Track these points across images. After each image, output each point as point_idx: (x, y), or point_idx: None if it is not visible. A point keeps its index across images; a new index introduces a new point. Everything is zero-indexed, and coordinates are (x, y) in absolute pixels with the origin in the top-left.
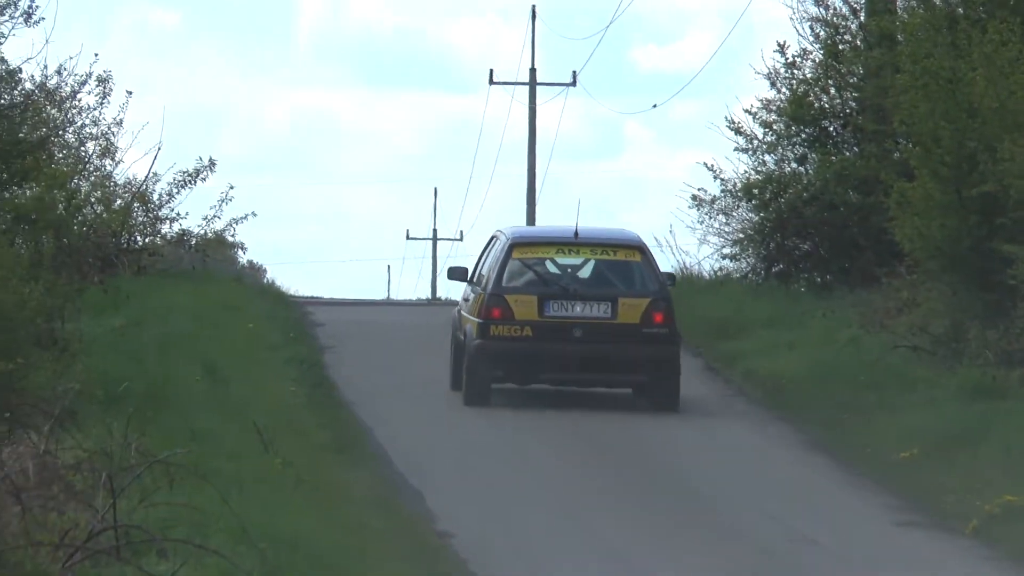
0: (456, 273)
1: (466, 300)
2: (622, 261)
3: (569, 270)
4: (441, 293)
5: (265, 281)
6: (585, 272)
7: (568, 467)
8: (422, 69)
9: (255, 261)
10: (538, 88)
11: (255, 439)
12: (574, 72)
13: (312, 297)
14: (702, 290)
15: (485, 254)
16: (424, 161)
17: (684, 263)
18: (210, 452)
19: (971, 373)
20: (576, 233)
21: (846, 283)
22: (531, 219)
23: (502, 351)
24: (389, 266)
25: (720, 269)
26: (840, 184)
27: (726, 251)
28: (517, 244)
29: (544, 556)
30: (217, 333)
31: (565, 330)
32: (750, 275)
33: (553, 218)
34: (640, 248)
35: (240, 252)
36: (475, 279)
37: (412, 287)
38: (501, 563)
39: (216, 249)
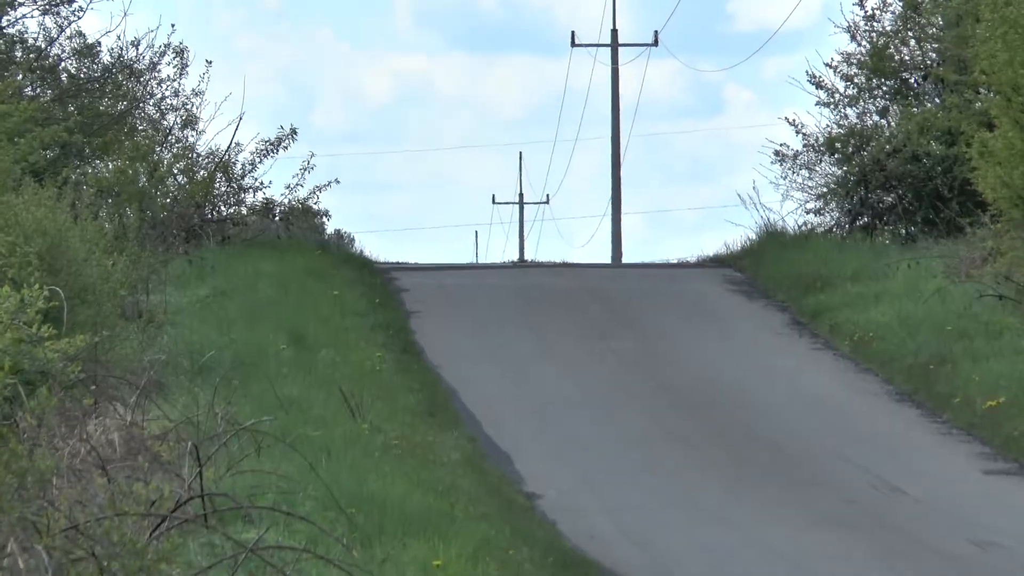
0: None
1: None
2: None
3: None
4: (528, 254)
5: (352, 249)
6: None
7: (652, 423)
8: (515, 34)
9: (342, 229)
10: (620, 49)
11: (342, 405)
12: (656, 31)
13: (398, 263)
14: (787, 245)
15: None
16: (514, 126)
17: (768, 219)
18: (297, 419)
19: None
20: None
21: (930, 234)
22: (616, 181)
23: None
24: (476, 231)
25: (804, 224)
26: (922, 135)
27: (810, 206)
28: None
29: (631, 514)
30: (303, 301)
31: None
32: (834, 229)
33: (642, 179)
34: None
35: (325, 220)
36: None
37: (500, 250)
38: (589, 522)
39: (301, 218)
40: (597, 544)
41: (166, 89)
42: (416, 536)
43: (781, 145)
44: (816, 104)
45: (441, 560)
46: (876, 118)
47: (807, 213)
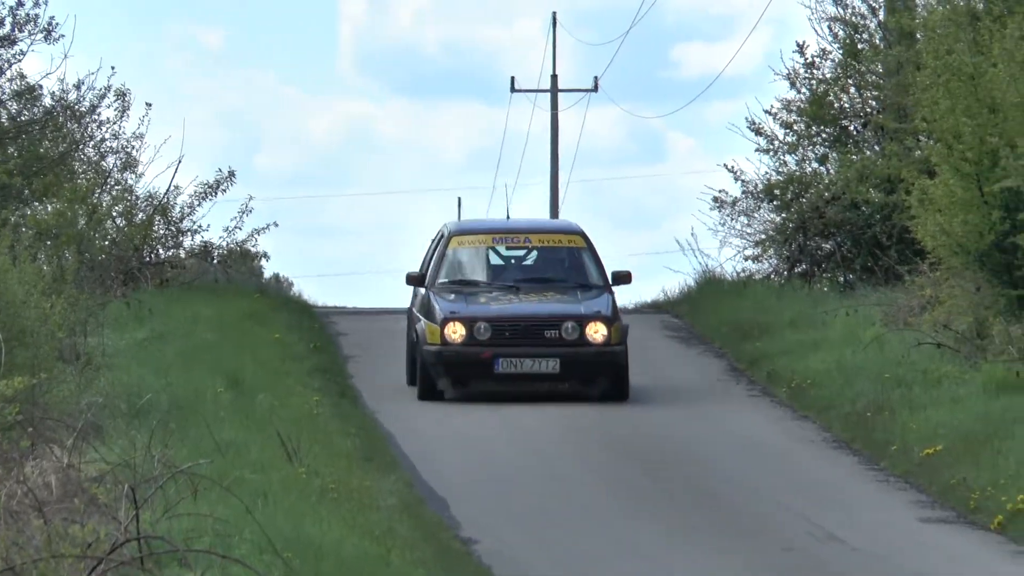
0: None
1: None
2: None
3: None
4: None
5: (291, 293)
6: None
7: (588, 469)
8: (457, 80)
9: (280, 273)
10: (560, 95)
11: (280, 449)
12: (596, 77)
13: (337, 307)
14: (725, 292)
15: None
16: (456, 171)
17: (707, 265)
18: (234, 463)
19: (995, 369)
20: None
21: (869, 282)
22: None
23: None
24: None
25: (743, 271)
26: (861, 183)
27: (748, 252)
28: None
29: (566, 558)
30: (241, 345)
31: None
32: (773, 276)
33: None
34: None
35: (264, 263)
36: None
37: None
38: (524, 567)
39: (240, 261)
40: None
41: (106, 132)
42: None
43: (720, 191)
44: (756, 151)
45: None
46: (815, 165)
47: (745, 260)
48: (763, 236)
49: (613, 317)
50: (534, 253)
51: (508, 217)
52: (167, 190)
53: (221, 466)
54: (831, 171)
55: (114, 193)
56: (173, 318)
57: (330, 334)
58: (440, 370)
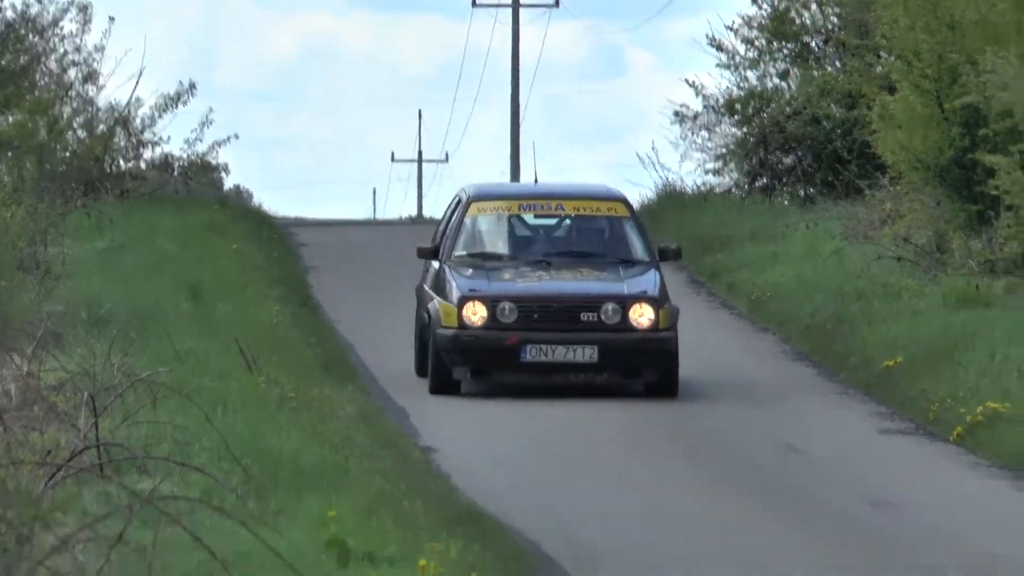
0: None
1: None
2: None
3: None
4: (427, 212)
5: (251, 204)
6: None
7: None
8: None
9: (241, 185)
10: (522, 10)
11: (239, 359)
12: None
13: (297, 218)
14: (686, 206)
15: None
16: (416, 86)
17: (668, 179)
18: (194, 372)
19: (954, 283)
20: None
21: (829, 196)
22: (515, 140)
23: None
24: (375, 188)
25: (704, 185)
26: (822, 98)
27: (709, 166)
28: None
29: (526, 472)
30: (201, 256)
31: None
32: (734, 190)
33: (543, 139)
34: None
35: (224, 175)
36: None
37: (398, 208)
38: (482, 477)
39: (200, 173)
40: (492, 498)
41: (68, 45)
42: (311, 489)
43: (681, 106)
44: (717, 66)
45: (335, 512)
46: (776, 80)
47: (706, 174)
48: (724, 150)
49: (661, 298)
50: (567, 222)
51: (536, 180)
52: (128, 102)
53: (180, 375)
54: (792, 86)
55: (75, 105)
56: (133, 229)
57: (290, 245)
58: (456, 358)
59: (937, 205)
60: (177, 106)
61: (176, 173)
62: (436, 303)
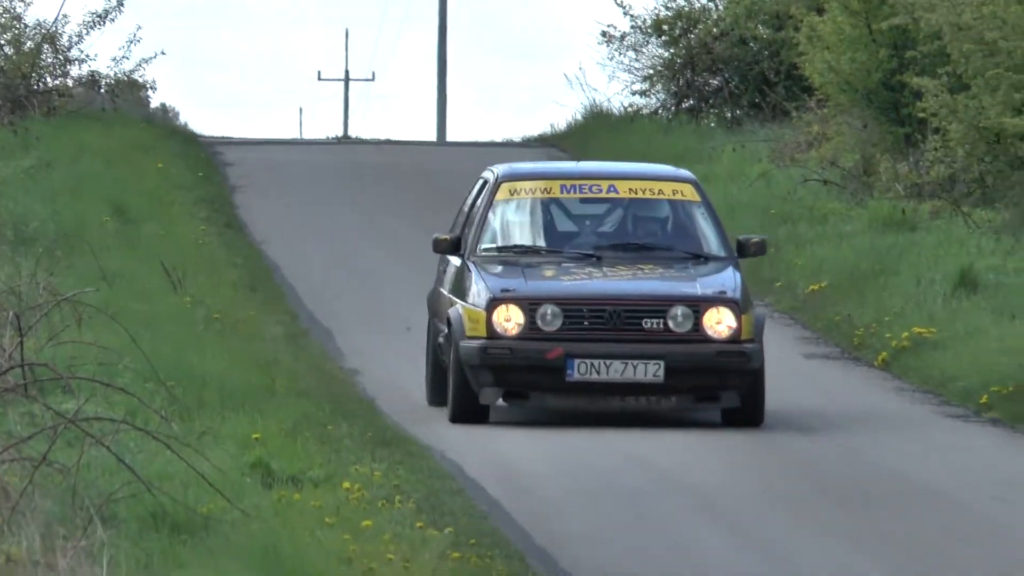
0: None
1: None
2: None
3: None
4: (353, 131)
5: (177, 123)
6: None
7: None
8: None
9: (167, 103)
10: None
11: (165, 279)
12: None
13: (223, 137)
14: (613, 127)
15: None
16: (342, 3)
17: (595, 100)
18: (120, 292)
19: (881, 206)
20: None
21: (756, 118)
22: (442, 59)
23: None
24: (301, 108)
25: (630, 105)
26: (750, 19)
27: (636, 87)
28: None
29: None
30: (127, 174)
31: None
32: (660, 111)
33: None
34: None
35: (150, 93)
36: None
37: (324, 127)
38: (409, 396)
39: (127, 91)
40: (416, 420)
41: None
42: (236, 410)
43: (609, 26)
44: None
45: (260, 434)
46: (704, 1)
47: (633, 95)
48: (651, 71)
49: (744, 301)
50: (620, 209)
51: (578, 159)
52: (55, 19)
53: (106, 295)
54: (719, 7)
55: (2, 21)
56: (60, 147)
57: (216, 164)
58: (485, 376)
59: (864, 128)
60: (104, 23)
61: (103, 91)
62: (459, 309)
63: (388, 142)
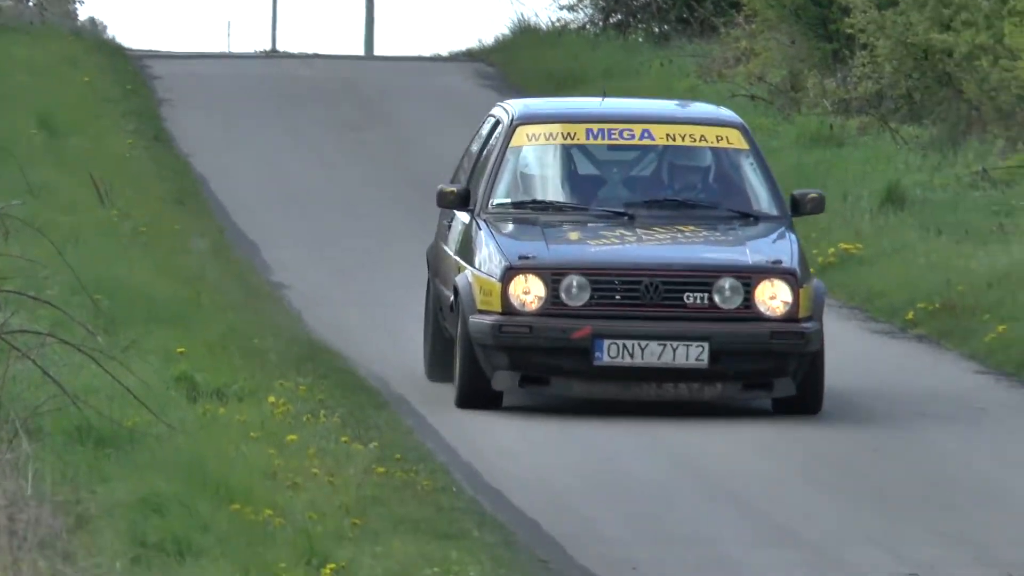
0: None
1: None
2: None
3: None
4: (280, 46)
5: (105, 35)
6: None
7: (403, 216)
8: None
9: (96, 17)
10: None
11: (92, 192)
12: None
13: (151, 51)
14: (540, 42)
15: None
16: None
17: (522, 14)
18: (46, 205)
19: (809, 122)
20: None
21: (684, 33)
22: None
23: None
24: (229, 21)
25: (558, 20)
26: None
27: (563, 1)
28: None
29: (378, 307)
30: (54, 87)
31: None
32: (588, 26)
33: None
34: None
35: (78, 6)
36: None
37: (252, 41)
38: (333, 311)
39: (55, 4)
40: (342, 334)
41: None
42: (161, 323)
43: None
44: None
45: (184, 348)
46: None
47: (560, 9)
48: None
49: (803, 273)
50: (655, 157)
51: (604, 95)
52: None
53: (33, 208)
54: None
55: None
56: None
57: (144, 77)
58: (499, 358)
59: (792, 43)
60: None
61: (31, 3)
62: (468, 276)
63: (316, 56)
